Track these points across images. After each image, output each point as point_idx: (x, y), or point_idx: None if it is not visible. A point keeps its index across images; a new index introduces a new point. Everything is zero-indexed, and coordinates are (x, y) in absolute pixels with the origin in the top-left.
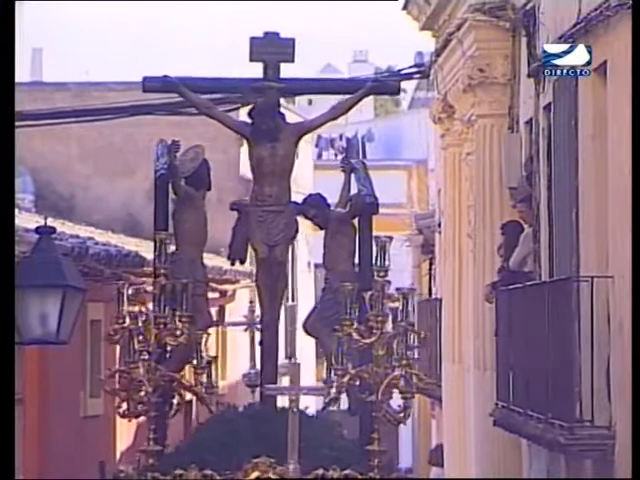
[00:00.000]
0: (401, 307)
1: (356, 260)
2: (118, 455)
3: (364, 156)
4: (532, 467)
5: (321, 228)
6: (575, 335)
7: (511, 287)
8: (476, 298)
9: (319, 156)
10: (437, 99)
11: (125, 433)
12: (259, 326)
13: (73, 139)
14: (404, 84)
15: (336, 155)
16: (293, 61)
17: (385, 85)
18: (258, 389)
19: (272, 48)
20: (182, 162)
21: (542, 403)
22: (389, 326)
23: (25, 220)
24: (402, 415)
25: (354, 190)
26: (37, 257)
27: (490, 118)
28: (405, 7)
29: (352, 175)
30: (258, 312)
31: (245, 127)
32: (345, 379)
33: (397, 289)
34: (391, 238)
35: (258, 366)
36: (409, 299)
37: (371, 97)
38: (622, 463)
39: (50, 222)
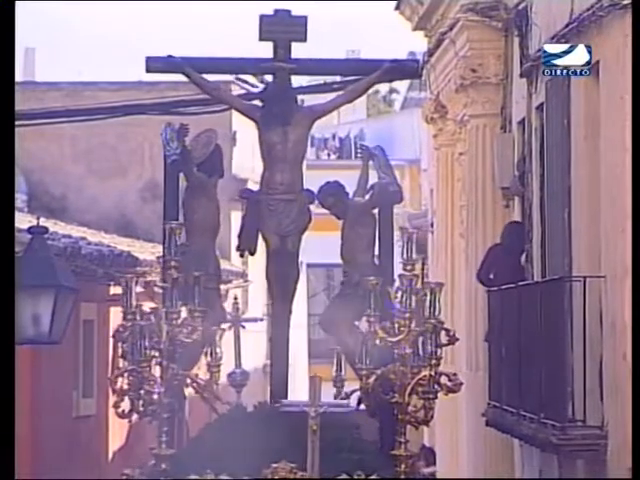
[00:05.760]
0: (429, 303)
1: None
2: (111, 455)
3: (357, 156)
4: (524, 467)
5: (339, 218)
6: (567, 335)
7: (503, 287)
8: (468, 298)
9: (317, 157)
10: (430, 99)
11: (118, 433)
12: (244, 324)
13: (66, 139)
14: (396, 84)
15: (329, 155)
16: (305, 40)
17: (403, 67)
18: (244, 389)
19: (283, 26)
20: (194, 147)
21: (534, 403)
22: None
23: (18, 220)
24: (424, 416)
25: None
26: (29, 257)
27: (483, 118)
28: (398, 7)
29: (370, 163)
30: (242, 310)
31: (255, 110)
32: (371, 380)
33: (424, 283)
34: (419, 229)
35: (244, 365)
36: (437, 294)
37: (364, 97)
38: (614, 463)
39: (42, 222)
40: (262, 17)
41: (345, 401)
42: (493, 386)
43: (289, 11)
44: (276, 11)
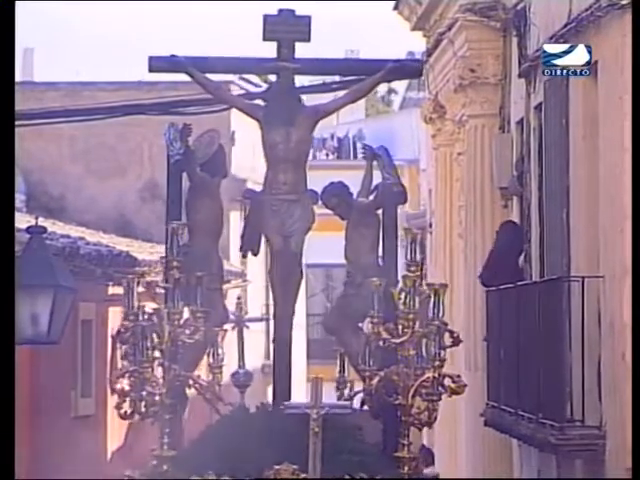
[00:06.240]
0: (432, 304)
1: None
2: (109, 455)
3: (355, 156)
4: (523, 467)
5: (342, 218)
6: (566, 335)
7: (502, 287)
8: (467, 298)
9: (314, 157)
10: (428, 99)
11: (116, 433)
12: (248, 324)
13: (64, 139)
14: (395, 84)
15: (327, 155)
16: (309, 40)
17: (406, 67)
18: (248, 389)
19: (287, 26)
20: (197, 147)
21: (533, 403)
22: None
23: (16, 220)
24: (428, 418)
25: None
26: (28, 257)
27: (481, 118)
28: (396, 7)
29: (374, 163)
30: (246, 309)
31: (257, 110)
32: (375, 381)
33: (428, 284)
34: (424, 229)
35: (247, 366)
36: (441, 295)
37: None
38: (613, 463)
39: (41, 222)
40: (266, 17)
41: (347, 402)
42: (492, 386)
43: (293, 11)
44: (280, 11)
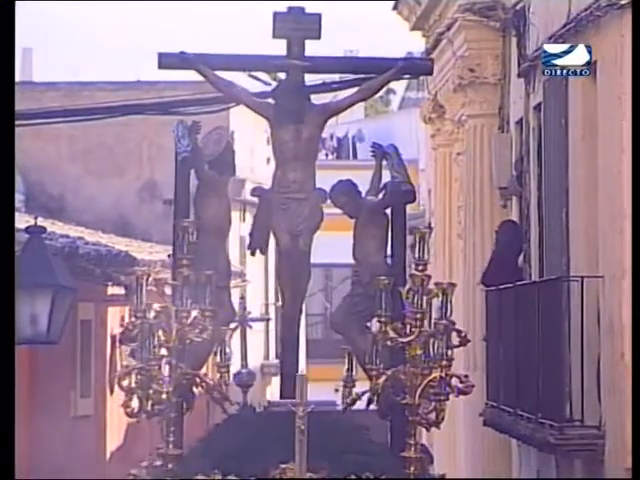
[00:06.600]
0: (440, 303)
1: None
2: (108, 455)
3: (354, 156)
4: (522, 467)
5: (351, 217)
6: (565, 335)
7: (501, 287)
8: (466, 298)
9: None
10: (427, 99)
11: (116, 433)
12: (251, 323)
13: (63, 139)
14: (394, 84)
15: (327, 155)
16: (319, 38)
17: (417, 65)
18: (251, 389)
19: (297, 24)
20: (205, 145)
21: (532, 403)
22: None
23: (15, 220)
24: (435, 418)
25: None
26: (27, 257)
27: (480, 118)
28: (395, 7)
29: (384, 162)
30: (249, 309)
31: (267, 108)
32: (381, 380)
33: (436, 284)
34: (431, 228)
35: (250, 366)
36: (449, 295)
37: None
38: (612, 463)
39: (40, 222)
40: (275, 14)
41: (333, 400)
42: (491, 386)
43: (303, 8)
44: (290, 8)
